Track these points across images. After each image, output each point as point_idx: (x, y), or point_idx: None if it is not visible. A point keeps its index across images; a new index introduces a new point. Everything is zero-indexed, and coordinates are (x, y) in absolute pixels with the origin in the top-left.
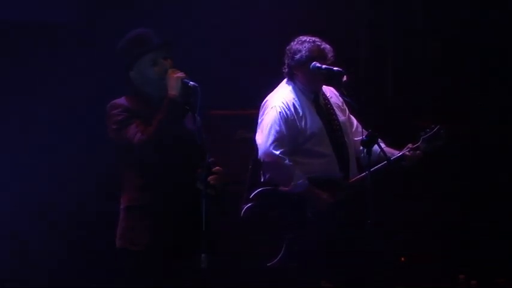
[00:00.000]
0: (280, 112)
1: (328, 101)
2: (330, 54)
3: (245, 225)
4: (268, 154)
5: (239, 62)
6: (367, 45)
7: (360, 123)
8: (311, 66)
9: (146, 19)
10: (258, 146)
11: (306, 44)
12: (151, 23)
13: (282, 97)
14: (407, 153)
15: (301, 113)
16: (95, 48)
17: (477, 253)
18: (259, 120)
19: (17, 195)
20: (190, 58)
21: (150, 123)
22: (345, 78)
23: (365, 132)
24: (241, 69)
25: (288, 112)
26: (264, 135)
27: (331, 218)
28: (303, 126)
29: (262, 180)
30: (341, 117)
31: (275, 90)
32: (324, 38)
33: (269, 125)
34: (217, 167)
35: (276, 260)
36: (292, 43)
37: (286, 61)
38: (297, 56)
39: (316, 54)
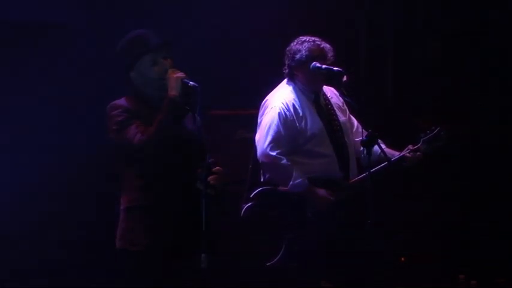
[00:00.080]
0: (279, 113)
1: (329, 101)
2: (330, 54)
3: (245, 225)
4: (265, 155)
5: (239, 62)
6: (367, 45)
7: (360, 124)
8: (311, 66)
9: (146, 19)
10: (257, 147)
11: (306, 44)
12: (151, 23)
13: (282, 97)
14: (407, 154)
15: (301, 114)
16: (95, 48)
17: (477, 253)
18: (259, 121)
19: (16, 195)
20: (190, 58)
21: (150, 124)
22: (345, 78)
23: (365, 133)
24: (241, 69)
25: (287, 113)
26: (262, 136)
27: (331, 218)
28: (303, 127)
29: (262, 180)
30: (341, 118)
31: (275, 89)
32: (324, 38)
33: (267, 126)
34: (217, 167)
35: (275, 260)
36: (292, 44)
37: (286, 62)
38: (297, 56)
39: (317, 53)
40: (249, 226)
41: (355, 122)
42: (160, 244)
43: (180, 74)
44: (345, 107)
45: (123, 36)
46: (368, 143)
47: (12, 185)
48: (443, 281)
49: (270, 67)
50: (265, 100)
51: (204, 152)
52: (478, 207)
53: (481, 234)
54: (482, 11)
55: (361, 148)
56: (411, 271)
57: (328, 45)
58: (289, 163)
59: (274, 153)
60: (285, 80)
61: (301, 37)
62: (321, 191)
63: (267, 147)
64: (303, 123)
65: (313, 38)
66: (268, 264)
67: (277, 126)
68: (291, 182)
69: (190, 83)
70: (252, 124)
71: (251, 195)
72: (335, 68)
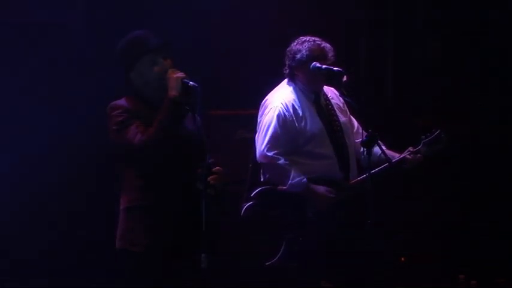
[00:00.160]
0: (278, 113)
1: (329, 101)
2: (331, 54)
3: (245, 224)
4: (263, 155)
5: (239, 62)
6: (367, 45)
7: (360, 124)
8: (311, 66)
9: (146, 19)
10: (256, 147)
11: (307, 44)
12: (151, 22)
13: (281, 97)
14: (408, 156)
15: (300, 114)
16: (95, 48)
17: (477, 253)
18: (259, 120)
19: (16, 195)
20: (191, 58)
21: (150, 124)
22: (345, 78)
23: (365, 133)
24: (241, 69)
25: (286, 113)
26: (260, 136)
27: (331, 218)
28: (303, 127)
29: (262, 179)
30: (342, 118)
31: (275, 89)
32: (324, 38)
33: (266, 126)
34: (217, 167)
35: (275, 259)
36: (292, 44)
37: (286, 62)
38: (298, 56)
39: (317, 53)
40: (249, 225)
41: (356, 122)
42: (160, 244)
43: (180, 74)
44: (345, 107)
45: (123, 37)
46: (368, 143)
47: (12, 184)
48: (443, 281)
49: (270, 67)
50: (265, 100)
51: (204, 152)
52: (478, 207)
53: (481, 234)
54: (482, 11)
55: (362, 149)
56: (411, 271)
57: (328, 45)
58: (287, 163)
59: (271, 154)
60: (286, 80)
61: (301, 37)
62: (321, 189)
63: (264, 148)
64: (302, 124)
65: (313, 38)
66: (267, 263)
67: (276, 127)
68: (290, 182)
69: (190, 83)
70: (252, 124)
71: (251, 195)
72: (335, 68)
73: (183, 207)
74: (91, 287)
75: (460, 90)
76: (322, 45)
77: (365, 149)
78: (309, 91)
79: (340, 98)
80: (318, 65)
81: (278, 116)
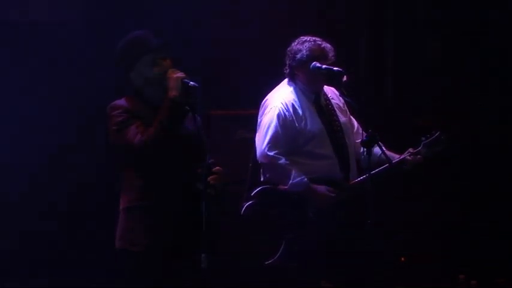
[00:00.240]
0: (278, 113)
1: (330, 101)
2: (331, 54)
3: (245, 223)
4: (264, 155)
5: (239, 62)
6: (367, 45)
7: (360, 124)
8: (311, 66)
9: (146, 19)
10: (256, 147)
11: (307, 44)
12: (151, 22)
13: (281, 97)
14: (408, 157)
15: (300, 114)
16: (95, 48)
17: (477, 253)
18: (259, 120)
19: (16, 195)
20: (191, 58)
21: (150, 124)
22: (345, 78)
23: (365, 133)
24: (241, 69)
25: (286, 113)
26: (261, 136)
27: (331, 218)
28: (303, 127)
29: (262, 179)
30: (342, 118)
31: (276, 89)
32: (324, 38)
33: (266, 126)
34: (217, 167)
35: (274, 258)
36: (292, 44)
37: (287, 62)
38: (298, 56)
39: (317, 53)
40: (249, 225)
41: (356, 122)
42: (160, 244)
43: (180, 74)
44: (346, 107)
45: (123, 37)
46: (368, 143)
47: (12, 184)
48: (443, 281)
49: (270, 67)
50: (265, 100)
51: (204, 152)
52: (478, 207)
53: (481, 234)
54: (482, 11)
55: (362, 149)
56: (411, 271)
57: (329, 45)
58: (287, 162)
59: (272, 153)
60: (286, 80)
61: (302, 37)
62: (321, 188)
63: (265, 148)
64: (302, 124)
65: (314, 38)
66: (266, 262)
67: (276, 127)
68: (290, 181)
69: (191, 83)
70: (252, 124)
71: (252, 194)
72: (335, 68)
73: (183, 207)
74: (91, 287)
75: (460, 90)
76: (323, 45)
77: (365, 149)
78: (309, 91)
79: (340, 98)
80: (318, 65)
81: (278, 115)
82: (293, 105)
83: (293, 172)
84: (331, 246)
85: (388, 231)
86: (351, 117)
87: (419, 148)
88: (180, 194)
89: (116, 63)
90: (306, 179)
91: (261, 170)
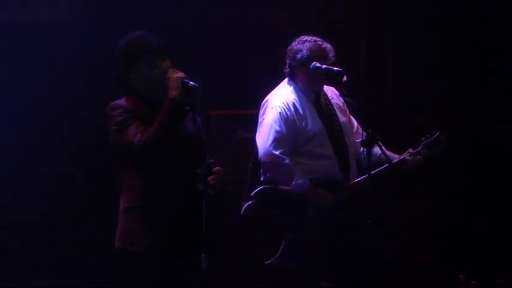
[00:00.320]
0: (280, 112)
1: (329, 101)
2: (331, 54)
3: (245, 223)
4: (268, 154)
5: (239, 62)
6: (367, 45)
7: (360, 124)
8: (311, 66)
9: (146, 19)
10: (258, 146)
11: (307, 44)
12: (151, 22)
13: (282, 97)
14: (408, 157)
15: (301, 113)
16: (95, 48)
17: (477, 253)
18: (260, 120)
19: (16, 195)
20: (191, 58)
21: (150, 124)
22: (345, 78)
23: (365, 133)
24: (241, 69)
25: (288, 112)
26: (264, 136)
27: (331, 218)
28: (304, 127)
29: (262, 179)
30: (342, 118)
31: (276, 89)
32: (324, 38)
33: (269, 125)
34: (217, 167)
35: (274, 258)
36: (293, 43)
37: (287, 61)
38: (298, 56)
39: (318, 53)
40: (249, 225)
41: (355, 122)
42: (160, 244)
43: (180, 74)
44: (345, 107)
45: (123, 37)
46: (368, 143)
47: (12, 184)
48: (443, 281)
49: (270, 67)
50: (265, 100)
51: (204, 152)
52: (478, 207)
53: (481, 234)
54: (482, 11)
55: (361, 149)
56: (411, 271)
57: (329, 46)
58: (291, 163)
59: (277, 153)
60: (286, 80)
61: (302, 36)
62: (322, 191)
63: (270, 146)
64: (303, 123)
65: (314, 38)
66: (266, 262)
67: (280, 126)
68: (294, 182)
69: (191, 83)
70: (252, 124)
71: (252, 194)
72: (335, 68)
73: (183, 207)
74: (91, 287)
75: (460, 90)
76: (323, 46)
77: (365, 149)
78: (309, 91)
79: (340, 98)
80: (318, 65)
81: (281, 114)
82: (294, 105)
83: (297, 173)
84: (331, 246)
85: (388, 231)
86: (351, 117)
87: (419, 148)
88: (180, 194)
89: (116, 63)
90: (308, 181)
91: (261, 170)
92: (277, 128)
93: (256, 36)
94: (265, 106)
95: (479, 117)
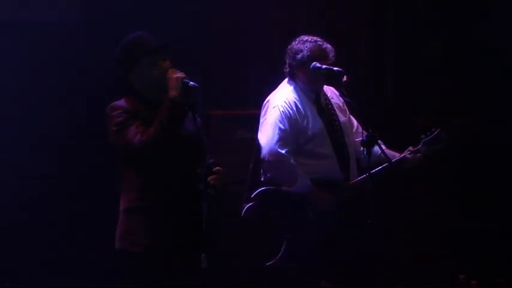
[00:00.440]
0: (283, 111)
1: (329, 101)
2: (331, 54)
3: (246, 225)
4: (274, 153)
5: (239, 62)
6: (367, 45)
7: (360, 124)
8: (311, 66)
9: (146, 19)
10: (262, 145)
11: (308, 44)
12: (152, 22)
13: (284, 96)
14: (408, 155)
15: (303, 113)
16: (95, 48)
17: (477, 253)
18: (262, 120)
19: (16, 195)
20: (191, 58)
21: (150, 124)
22: (345, 78)
23: (365, 133)
24: (241, 69)
25: (290, 111)
26: (268, 134)
27: (331, 218)
28: (305, 126)
29: (262, 179)
30: (342, 118)
31: (276, 89)
32: (324, 38)
33: (273, 124)
34: (217, 167)
35: (275, 260)
36: (293, 43)
37: (287, 61)
38: (299, 56)
39: (318, 54)
40: (249, 226)
41: (355, 122)
42: (160, 244)
43: (180, 74)
44: (345, 107)
45: (123, 37)
46: (368, 143)
47: (12, 185)
48: (443, 281)
49: (270, 67)
50: (266, 100)
51: (204, 152)
52: (478, 207)
53: (481, 234)
54: (482, 11)
55: (361, 148)
56: (411, 271)
57: (329, 46)
58: (295, 163)
59: (283, 151)
60: (286, 80)
61: (302, 36)
62: (324, 193)
63: (275, 145)
64: (305, 122)
65: (314, 38)
66: (267, 263)
67: (284, 124)
68: (298, 181)
69: (191, 83)
70: (252, 124)
71: (252, 195)
72: (335, 68)
73: (183, 207)
74: (91, 287)
75: (460, 90)
76: (324, 46)
77: (365, 149)
78: (310, 91)
79: (340, 98)
80: (318, 65)
81: (283, 113)
82: (295, 104)
83: (300, 173)
84: (331, 246)
85: (388, 231)
86: (351, 116)
87: (419, 146)
88: (180, 194)
89: (116, 63)
90: (309, 181)
91: (262, 170)
92: (282, 127)
93: (256, 36)
94: (266, 106)
95: (479, 117)
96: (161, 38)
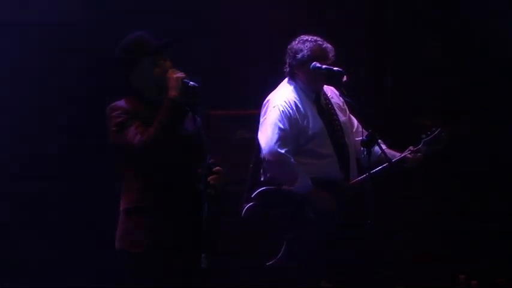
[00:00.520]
0: (283, 111)
1: (329, 101)
2: (331, 54)
3: (246, 225)
4: (273, 153)
5: (239, 62)
6: (367, 45)
7: (360, 123)
8: (311, 66)
9: (146, 19)
10: (262, 145)
11: (308, 44)
12: (152, 22)
13: (284, 96)
14: (408, 155)
15: (303, 112)
16: (95, 48)
17: (477, 253)
18: (262, 120)
19: (16, 195)
20: (191, 58)
21: (150, 125)
22: (345, 78)
23: (365, 133)
24: (241, 69)
25: (290, 111)
26: (268, 134)
27: (331, 218)
28: (305, 126)
29: (262, 179)
30: (342, 118)
31: (276, 89)
32: (324, 38)
33: (273, 124)
34: (217, 167)
35: (275, 260)
36: (293, 42)
37: (287, 60)
38: (299, 56)
39: (318, 53)
40: (249, 226)
41: (355, 121)
42: (160, 244)
43: (180, 74)
44: (345, 106)
45: (124, 37)
46: (368, 143)
47: (13, 185)
48: (443, 281)
49: (270, 67)
50: (266, 100)
51: (204, 152)
52: (478, 207)
53: (481, 234)
54: (482, 11)
55: (362, 148)
56: (411, 271)
57: (329, 46)
58: (295, 162)
59: (283, 151)
60: (286, 79)
61: (303, 36)
62: (324, 194)
63: (275, 145)
64: (305, 122)
65: (315, 38)
66: (267, 263)
67: (284, 124)
68: (299, 181)
69: (191, 83)
70: (252, 124)
71: (252, 195)
72: (335, 68)
73: (183, 207)
74: (91, 287)
75: (460, 90)
76: (324, 46)
77: (365, 149)
78: (310, 90)
79: (340, 97)
80: (318, 65)
81: (283, 113)
82: (295, 104)
83: (300, 173)
84: (331, 246)
85: (388, 231)
86: (351, 116)
87: (420, 146)
88: (180, 194)
89: (116, 63)
90: (310, 181)
91: (262, 170)
92: (281, 126)
93: (256, 36)
94: (266, 105)
95: (479, 117)
96: (161, 38)
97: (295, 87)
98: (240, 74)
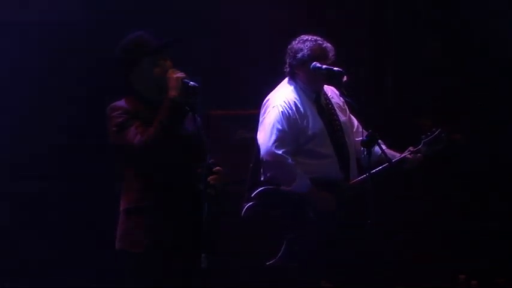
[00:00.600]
0: (282, 111)
1: (330, 101)
2: (331, 54)
3: (246, 224)
4: (271, 153)
5: (239, 62)
6: (367, 45)
7: (360, 123)
8: (311, 66)
9: (146, 19)
10: (260, 145)
11: (308, 43)
12: (152, 22)
13: (283, 96)
14: (408, 155)
15: (303, 113)
16: (95, 48)
17: (477, 253)
18: (261, 119)
19: (16, 194)
20: (191, 58)
21: (150, 125)
22: (345, 78)
23: (365, 133)
24: (241, 69)
25: (290, 111)
26: (266, 134)
27: (331, 218)
28: (305, 126)
29: (262, 179)
30: (342, 118)
31: (276, 88)
32: (324, 38)
33: (271, 124)
34: (217, 167)
35: (275, 260)
36: (293, 42)
37: (287, 60)
38: (299, 55)
39: (318, 53)
40: (249, 226)
41: (355, 121)
42: (160, 244)
43: (180, 74)
44: (345, 106)
45: (124, 37)
46: (368, 143)
47: (13, 185)
48: (443, 281)
49: (270, 67)
50: (266, 99)
51: (204, 152)
52: (478, 207)
53: (481, 234)
54: (482, 11)
55: (362, 148)
56: (411, 271)
57: (329, 45)
58: (293, 163)
59: (280, 152)
60: (286, 79)
61: (303, 36)
62: (324, 194)
63: (272, 146)
64: (305, 122)
65: (315, 37)
66: (267, 263)
67: (282, 125)
68: (297, 181)
69: (191, 83)
70: (252, 124)
71: (252, 195)
72: (335, 68)
73: (183, 207)
74: (91, 287)
75: (460, 90)
76: (324, 45)
77: (365, 149)
78: (310, 90)
79: (340, 97)
80: (318, 65)
81: (282, 113)
82: (295, 104)
83: (299, 173)
84: (331, 246)
85: (388, 231)
86: (351, 116)
87: (420, 146)
88: (180, 194)
89: (116, 63)
90: (309, 181)
91: (262, 170)
92: (280, 127)
93: (256, 36)
94: (266, 105)
95: (479, 117)
96: (161, 38)
97: (295, 87)
98: (240, 74)
